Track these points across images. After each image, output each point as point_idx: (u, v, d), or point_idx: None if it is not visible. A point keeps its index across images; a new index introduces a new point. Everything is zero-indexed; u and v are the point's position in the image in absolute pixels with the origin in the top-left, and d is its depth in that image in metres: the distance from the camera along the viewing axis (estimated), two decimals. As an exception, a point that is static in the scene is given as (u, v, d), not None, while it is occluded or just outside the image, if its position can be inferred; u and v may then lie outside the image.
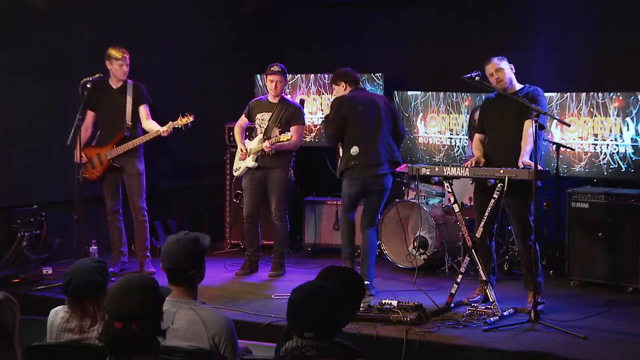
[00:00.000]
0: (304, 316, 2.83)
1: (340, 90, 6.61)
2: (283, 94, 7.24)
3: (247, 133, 7.58)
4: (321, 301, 2.84)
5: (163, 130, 6.96)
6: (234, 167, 7.44)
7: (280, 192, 7.14)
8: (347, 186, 6.60)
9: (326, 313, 2.83)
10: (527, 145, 5.72)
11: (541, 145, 6.23)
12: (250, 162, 7.17)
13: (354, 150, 6.46)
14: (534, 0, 8.24)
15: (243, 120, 7.35)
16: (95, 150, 7.12)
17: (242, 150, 7.21)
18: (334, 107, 6.58)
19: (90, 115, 7.15)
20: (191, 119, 7.00)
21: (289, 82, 8.69)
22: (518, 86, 6.00)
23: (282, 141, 6.96)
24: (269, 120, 7.09)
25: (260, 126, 7.16)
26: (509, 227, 7.01)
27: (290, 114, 7.09)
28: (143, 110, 7.12)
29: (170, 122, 7.00)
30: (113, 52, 7.00)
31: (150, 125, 7.06)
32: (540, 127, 5.67)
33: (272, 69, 7.11)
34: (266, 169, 7.13)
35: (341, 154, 6.66)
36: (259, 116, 7.18)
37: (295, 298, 2.88)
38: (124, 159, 7.06)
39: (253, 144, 7.18)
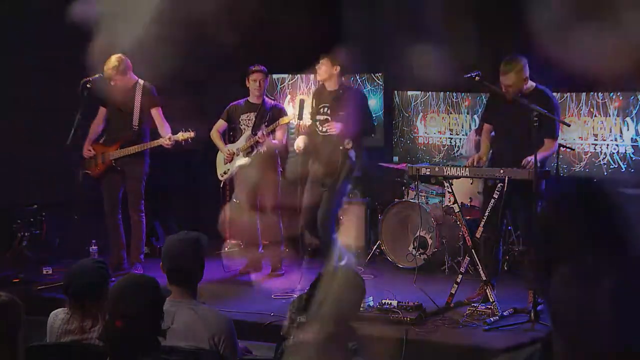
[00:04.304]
0: None
1: (331, 72, 6.71)
2: (264, 96, 7.18)
3: (224, 136, 7.50)
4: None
5: (165, 142, 6.88)
6: (221, 171, 7.26)
7: (271, 189, 7.09)
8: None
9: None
10: (541, 154, 5.64)
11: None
12: (242, 160, 7.08)
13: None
14: (534, 0, 8.22)
15: (221, 124, 7.25)
16: (100, 148, 7.09)
17: (228, 152, 7.15)
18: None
19: (102, 111, 7.11)
20: (192, 134, 6.94)
21: (290, 83, 8.67)
22: (531, 85, 5.92)
23: (281, 125, 6.97)
24: (255, 118, 7.05)
25: (247, 126, 7.09)
26: (509, 227, 7.01)
27: (277, 113, 7.07)
28: (157, 114, 7.02)
29: (170, 135, 6.93)
30: (104, 69, 6.85)
31: (164, 133, 6.96)
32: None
33: (254, 68, 7.08)
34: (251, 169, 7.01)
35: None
36: (243, 116, 7.13)
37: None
38: (126, 162, 6.99)
39: (241, 143, 7.11)
